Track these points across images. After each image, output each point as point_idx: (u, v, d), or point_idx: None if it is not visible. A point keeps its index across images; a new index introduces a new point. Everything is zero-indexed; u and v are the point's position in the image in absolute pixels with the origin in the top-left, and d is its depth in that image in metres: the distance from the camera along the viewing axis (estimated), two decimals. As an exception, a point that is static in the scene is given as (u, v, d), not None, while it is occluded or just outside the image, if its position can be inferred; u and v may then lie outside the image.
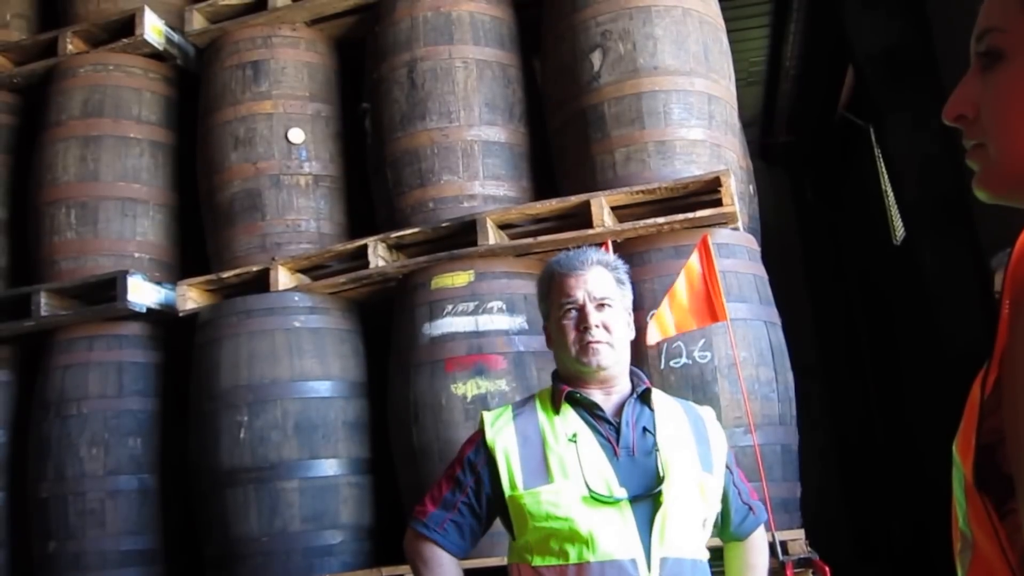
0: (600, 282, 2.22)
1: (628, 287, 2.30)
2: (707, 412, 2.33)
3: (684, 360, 4.16)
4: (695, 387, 4.11)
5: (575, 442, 2.08)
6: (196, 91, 5.46)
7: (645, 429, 2.14)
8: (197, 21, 5.40)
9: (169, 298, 5.02)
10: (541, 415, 2.18)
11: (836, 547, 5.78)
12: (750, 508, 2.33)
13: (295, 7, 5.25)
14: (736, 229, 4.45)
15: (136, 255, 5.20)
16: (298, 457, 4.45)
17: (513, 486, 2.08)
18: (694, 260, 3.98)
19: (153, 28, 5.46)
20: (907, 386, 8.27)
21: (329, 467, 4.49)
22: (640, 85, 4.47)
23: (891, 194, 8.40)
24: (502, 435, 2.16)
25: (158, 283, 5.06)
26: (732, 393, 4.08)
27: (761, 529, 2.39)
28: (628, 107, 4.47)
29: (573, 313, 2.19)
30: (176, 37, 5.61)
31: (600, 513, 1.99)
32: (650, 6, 4.55)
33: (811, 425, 4.82)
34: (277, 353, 4.59)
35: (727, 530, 2.30)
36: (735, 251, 4.43)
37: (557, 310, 2.22)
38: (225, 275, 4.89)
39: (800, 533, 4.00)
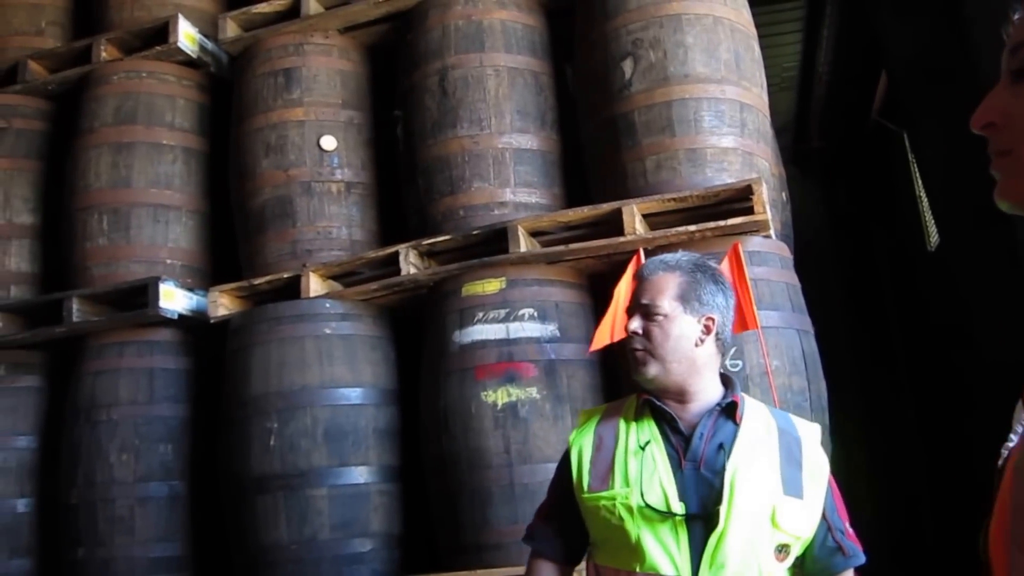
0: (653, 288, 2.15)
1: (709, 290, 2.16)
2: (809, 432, 2.19)
3: (716, 368, 4.12)
4: (727, 396, 4.07)
5: (643, 451, 2.05)
6: (229, 98, 5.48)
7: (721, 445, 2.05)
8: (230, 29, 5.43)
9: (201, 304, 5.04)
10: (621, 421, 2.16)
11: (870, 555, 5.71)
12: (839, 547, 2.11)
13: (328, 15, 5.27)
14: (768, 237, 4.41)
15: (168, 261, 5.23)
16: (328, 464, 4.44)
17: (580, 487, 2.10)
18: (724, 268, 3.95)
19: (186, 35, 5.49)
20: (944, 393, 8.18)
21: (359, 475, 4.48)
22: (671, 93, 4.45)
23: (925, 200, 8.33)
24: (581, 438, 2.18)
25: (190, 289, 5.08)
26: (764, 402, 4.02)
27: (850, 574, 2.14)
28: (659, 115, 4.44)
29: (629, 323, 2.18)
30: (209, 44, 5.64)
31: (652, 526, 1.97)
32: (681, 14, 4.53)
33: (845, 434, 4.75)
34: (307, 360, 4.59)
35: (806, 566, 2.11)
36: (767, 259, 4.38)
37: None
38: (256, 282, 4.90)
39: (833, 543, 3.95)
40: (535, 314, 4.35)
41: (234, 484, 4.57)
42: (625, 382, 4.31)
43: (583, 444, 2.16)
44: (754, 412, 2.16)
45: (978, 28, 5.88)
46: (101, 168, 5.28)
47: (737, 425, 2.09)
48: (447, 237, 4.59)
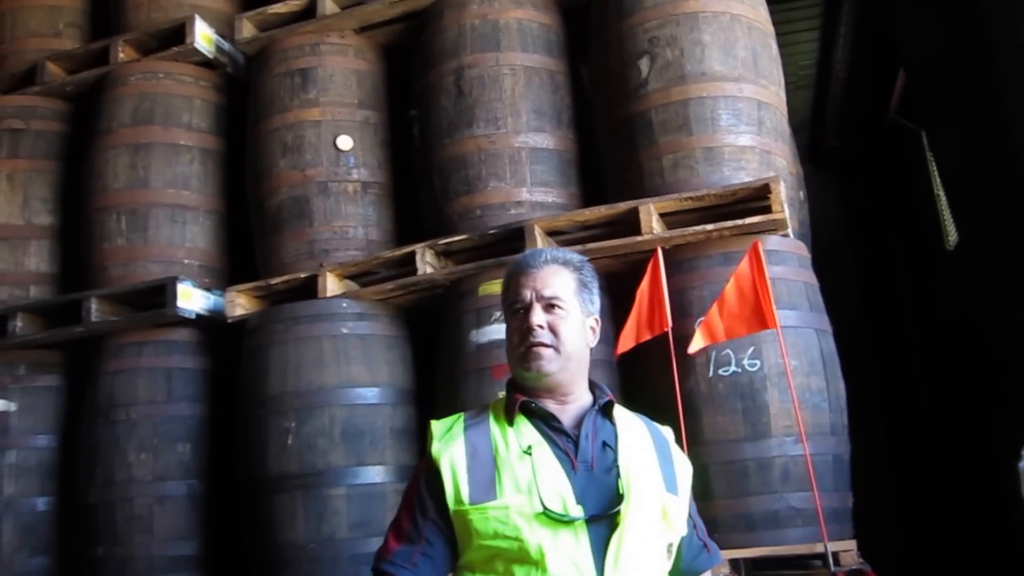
0: (553, 281, 2.01)
1: (595, 291, 2.08)
2: (669, 432, 2.13)
3: (733, 368, 4.12)
4: (744, 395, 4.07)
5: (530, 455, 1.88)
6: (245, 98, 5.51)
7: (605, 443, 1.94)
8: (247, 29, 5.45)
9: (218, 304, 5.06)
10: (494, 426, 1.97)
11: (888, 557, 5.68)
12: (704, 545, 2.11)
13: (343, 15, 5.28)
14: (786, 236, 4.40)
15: (185, 261, 5.26)
16: (345, 464, 4.46)
17: (458, 500, 1.87)
18: (744, 266, 3.94)
19: (203, 36, 5.52)
20: (962, 392, 8.13)
21: (376, 474, 4.49)
22: (687, 91, 4.44)
23: (943, 198, 8.27)
24: (449, 448, 1.94)
25: (207, 289, 5.10)
26: (782, 402, 4.02)
27: (709, 574, 2.14)
28: (675, 114, 4.44)
29: (521, 314, 1.98)
30: (226, 45, 5.66)
31: (553, 532, 1.82)
32: (697, 12, 4.52)
33: (863, 434, 4.73)
34: (324, 359, 4.61)
35: (676, 565, 2.04)
36: (785, 258, 4.37)
37: (508, 312, 2.04)
38: (273, 281, 4.91)
39: (852, 544, 3.95)
40: (552, 314, 4.34)
41: (252, 483, 4.58)
42: (634, 380, 4.30)
43: (454, 455, 1.93)
44: (623, 413, 2.07)
45: (995, 25, 5.84)
46: (119, 169, 5.32)
47: (614, 425, 2.00)
48: (463, 237, 4.59)
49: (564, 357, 1.96)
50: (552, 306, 1.97)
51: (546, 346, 1.94)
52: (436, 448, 1.95)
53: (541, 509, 1.81)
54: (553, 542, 1.80)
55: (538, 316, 1.96)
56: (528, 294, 1.99)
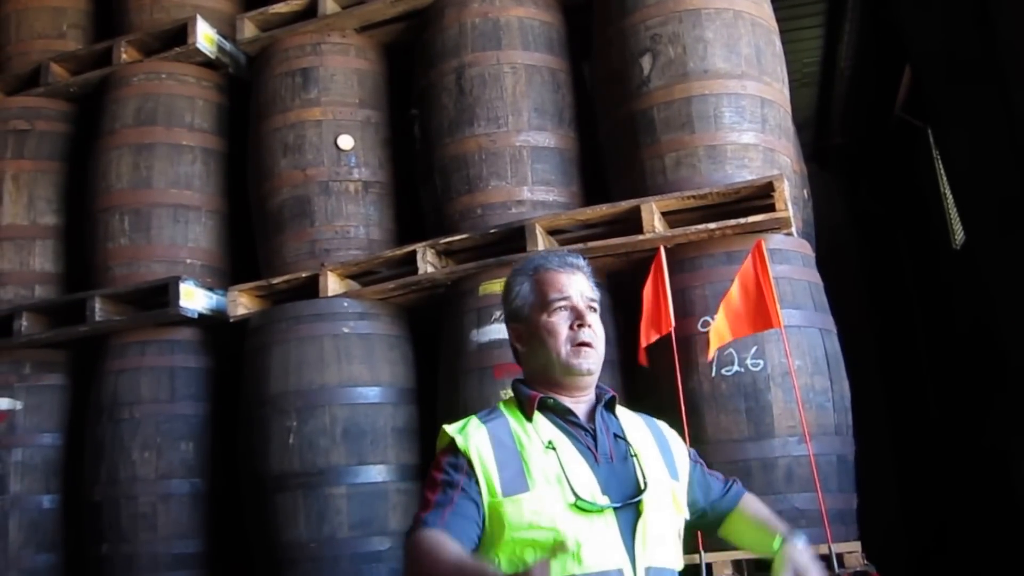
0: (589, 284, 2.12)
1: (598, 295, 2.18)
2: (660, 421, 2.25)
3: (736, 368, 4.09)
4: (747, 395, 4.04)
5: (554, 449, 1.95)
6: (247, 98, 5.52)
7: (616, 435, 2.05)
8: (248, 29, 5.46)
9: (220, 304, 5.07)
10: (513, 422, 2.03)
11: (894, 559, 5.66)
12: (728, 481, 2.28)
13: (344, 14, 5.28)
14: (790, 235, 4.38)
15: (188, 261, 5.27)
16: (346, 463, 4.46)
17: (492, 492, 1.90)
18: (748, 265, 3.92)
19: (205, 37, 5.53)
20: (968, 392, 8.10)
21: (377, 473, 4.49)
22: (690, 89, 4.42)
23: (950, 197, 8.24)
24: (474, 438, 1.97)
25: (209, 289, 5.11)
26: (786, 402, 3.99)
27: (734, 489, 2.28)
28: (678, 111, 4.42)
29: (565, 312, 2.05)
30: (227, 45, 5.66)
31: (586, 522, 1.88)
32: (700, 9, 4.50)
33: (869, 434, 4.71)
34: (326, 359, 4.61)
35: (718, 505, 2.22)
36: (789, 257, 4.35)
37: (543, 307, 2.06)
38: (275, 281, 4.92)
39: (857, 545, 3.92)
40: (554, 313, 4.33)
41: (254, 482, 4.59)
42: (637, 380, 4.29)
43: (480, 445, 1.96)
44: (621, 408, 2.18)
45: (1003, 20, 5.81)
46: (122, 169, 5.33)
47: (617, 418, 2.11)
48: (464, 236, 4.59)
49: (600, 357, 2.07)
50: (592, 308, 2.08)
51: (593, 346, 2.04)
52: (461, 440, 1.97)
53: (574, 500, 1.88)
54: (588, 531, 1.87)
55: (589, 316, 2.05)
56: (575, 293, 2.07)
